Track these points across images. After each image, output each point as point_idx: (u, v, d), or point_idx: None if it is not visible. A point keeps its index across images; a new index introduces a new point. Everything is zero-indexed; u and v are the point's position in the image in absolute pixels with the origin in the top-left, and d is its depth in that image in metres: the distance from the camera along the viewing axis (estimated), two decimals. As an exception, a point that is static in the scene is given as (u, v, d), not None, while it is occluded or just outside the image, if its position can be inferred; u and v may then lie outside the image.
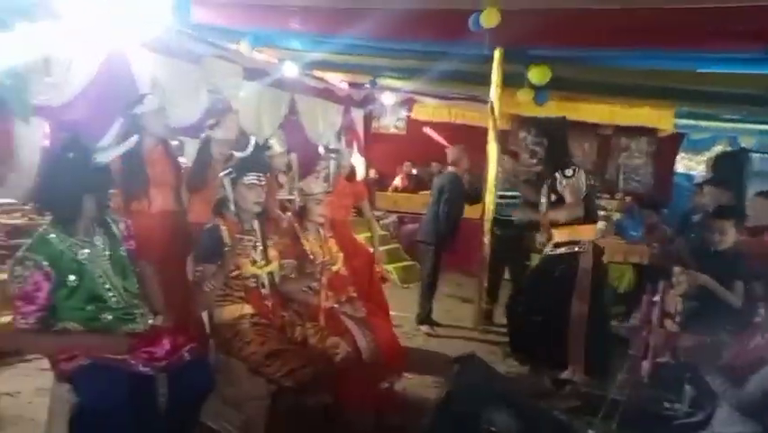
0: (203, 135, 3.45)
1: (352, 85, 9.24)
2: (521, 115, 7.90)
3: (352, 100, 9.87)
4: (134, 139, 2.55)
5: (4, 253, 3.16)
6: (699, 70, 5.15)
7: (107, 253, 2.28)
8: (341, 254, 3.39)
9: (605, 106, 8.02)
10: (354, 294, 3.31)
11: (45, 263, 2.10)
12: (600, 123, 8.45)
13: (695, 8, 3.87)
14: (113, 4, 4.74)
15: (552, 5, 4.26)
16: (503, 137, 5.46)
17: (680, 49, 4.65)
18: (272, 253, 2.87)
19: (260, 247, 2.81)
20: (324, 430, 2.78)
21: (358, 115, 10.34)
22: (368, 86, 8.64)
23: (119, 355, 2.13)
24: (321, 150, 4.04)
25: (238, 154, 3.20)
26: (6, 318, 2.30)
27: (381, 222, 8.02)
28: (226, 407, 2.51)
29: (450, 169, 5.11)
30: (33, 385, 3.17)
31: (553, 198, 3.46)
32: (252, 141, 3.50)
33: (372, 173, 9.85)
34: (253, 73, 7.36)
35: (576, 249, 3.41)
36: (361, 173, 9.78)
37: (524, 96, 6.54)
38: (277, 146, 3.89)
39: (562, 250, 3.46)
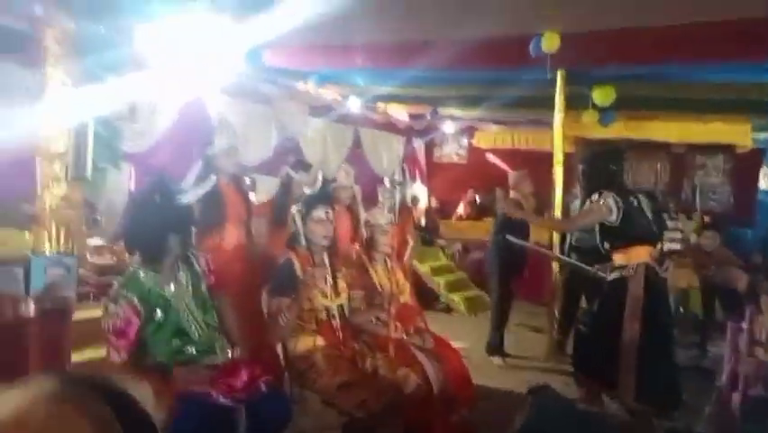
0: (284, 174, 3.61)
1: (413, 116, 9.40)
2: (586, 137, 7.73)
3: (413, 131, 10.02)
4: (213, 179, 2.72)
5: (96, 291, 3.40)
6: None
7: (190, 288, 2.41)
8: (407, 285, 3.42)
9: (675, 124, 7.72)
10: (422, 324, 3.32)
11: (135, 300, 2.25)
12: (672, 141, 8.12)
13: (761, 18, 3.72)
14: (191, 53, 5.13)
15: (612, 25, 4.21)
16: (568, 160, 5.36)
17: (750, 60, 4.45)
18: (342, 285, 2.95)
19: (330, 280, 2.89)
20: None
21: (419, 145, 10.48)
22: (429, 116, 8.75)
23: (201, 387, 2.22)
24: (386, 182, 4.12)
25: (307, 190, 3.34)
26: (99, 353, 2.45)
27: (446, 251, 8.00)
28: (301, 438, 2.56)
29: (511, 194, 5.05)
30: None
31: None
32: (320, 177, 3.64)
33: (434, 202, 9.89)
34: (319, 110, 7.67)
35: (623, 273, 3.39)
36: (423, 203, 9.86)
37: (588, 117, 6.42)
38: (343, 179, 4.02)
39: (615, 274, 3.45)
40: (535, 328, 5.78)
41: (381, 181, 7.22)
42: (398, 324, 3.12)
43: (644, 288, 3.28)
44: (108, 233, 4.82)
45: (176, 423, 2.09)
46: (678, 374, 3.39)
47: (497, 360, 4.82)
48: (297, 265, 2.80)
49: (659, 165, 8.93)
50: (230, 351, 2.45)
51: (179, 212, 2.40)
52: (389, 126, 9.27)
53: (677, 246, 6.30)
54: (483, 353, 4.89)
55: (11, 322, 2.55)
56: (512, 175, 5.10)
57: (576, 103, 5.61)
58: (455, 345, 3.64)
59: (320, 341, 2.75)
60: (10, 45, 3.83)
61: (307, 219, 2.86)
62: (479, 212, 8.88)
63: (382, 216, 3.40)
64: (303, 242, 2.86)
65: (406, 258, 4.32)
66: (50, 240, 3.39)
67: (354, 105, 7.54)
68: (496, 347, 4.88)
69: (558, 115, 5.12)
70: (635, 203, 3.48)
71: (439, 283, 6.96)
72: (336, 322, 2.86)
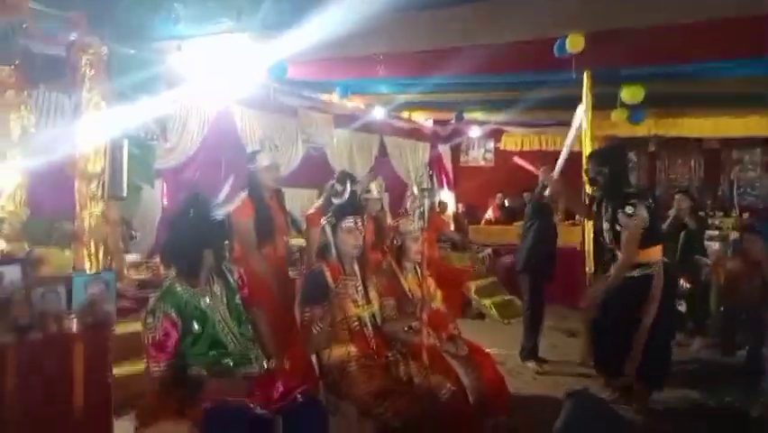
0: (331, 187, 3.67)
1: (437, 121, 9.40)
2: (617, 135, 7.60)
3: (438, 137, 10.03)
4: (244, 195, 2.77)
5: (135, 305, 3.49)
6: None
7: (224, 300, 2.46)
8: (439, 292, 3.41)
9: (708, 119, 7.53)
10: (456, 331, 3.30)
11: (173, 313, 2.30)
12: (705, 137, 7.93)
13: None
14: (218, 70, 5.25)
15: (636, 24, 4.15)
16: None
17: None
18: (373, 293, 2.96)
19: (361, 289, 2.90)
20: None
21: (446, 150, 10.47)
22: (453, 121, 8.73)
23: (239, 397, 2.26)
24: (414, 189, 4.12)
25: (336, 201, 3.37)
26: (139, 366, 2.51)
27: (477, 256, 7.94)
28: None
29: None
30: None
31: (617, 227, 3.62)
32: (349, 187, 3.67)
33: (462, 207, 9.84)
34: (344, 120, 7.75)
35: (648, 271, 3.56)
36: (451, 208, 9.82)
37: (618, 116, 6.31)
38: (375, 191, 4.05)
39: (637, 272, 3.59)
40: (570, 332, 5.68)
41: (408, 188, 7.24)
42: (431, 331, 3.10)
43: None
44: (144, 248, 4.95)
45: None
46: (670, 357, 3.79)
47: (532, 365, 4.74)
48: (328, 275, 2.82)
49: (692, 162, 8.73)
50: (266, 362, 2.48)
51: (213, 227, 2.44)
52: (415, 133, 9.30)
53: (716, 245, 6.14)
54: (518, 358, 4.83)
55: (55, 338, 2.64)
56: (541, 172, 5.04)
57: (604, 102, 5.53)
58: (489, 351, 3.61)
59: (353, 350, 2.76)
60: (47, 71, 3.98)
61: (337, 229, 2.88)
62: (508, 216, 8.81)
63: (411, 224, 3.40)
64: (334, 252, 2.88)
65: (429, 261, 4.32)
66: (89, 257, 3.50)
67: (379, 113, 7.58)
68: (530, 352, 4.81)
69: (586, 114, 5.04)
70: (653, 204, 3.69)
71: (470, 289, 6.91)
72: (369, 331, 2.87)
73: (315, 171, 6.76)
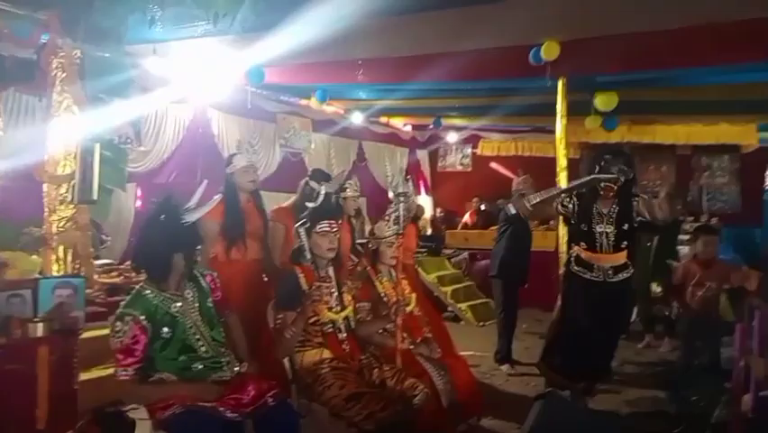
0: (304, 185, 3.64)
1: (415, 127, 9.46)
2: (590, 142, 7.74)
3: (416, 142, 10.08)
4: (217, 198, 2.75)
5: (104, 310, 3.44)
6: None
7: (197, 305, 2.43)
8: (414, 295, 3.42)
9: (680, 126, 7.71)
10: (429, 335, 3.32)
11: (142, 318, 2.27)
12: (679, 143, 8.10)
13: (761, 19, 3.73)
14: (194, 74, 5.22)
15: (610, 32, 4.23)
16: (572, 165, 5.36)
17: (752, 61, 4.45)
18: (347, 297, 2.95)
19: (336, 292, 2.90)
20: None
21: (423, 155, 10.53)
22: (432, 126, 8.79)
23: (209, 402, 2.23)
24: (390, 193, 4.13)
25: (310, 204, 3.36)
26: (107, 371, 2.48)
27: (453, 260, 7.99)
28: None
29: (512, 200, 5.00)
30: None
31: (624, 227, 3.67)
32: (323, 190, 3.66)
33: (438, 212, 9.90)
34: (323, 125, 7.75)
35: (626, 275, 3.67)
36: (428, 212, 9.87)
37: (592, 123, 6.42)
38: (350, 191, 4.05)
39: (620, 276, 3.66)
40: (543, 335, 5.74)
41: (386, 193, 7.26)
42: (405, 334, 3.12)
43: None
44: (116, 253, 4.89)
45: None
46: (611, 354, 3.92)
47: (506, 368, 4.79)
48: (302, 279, 2.81)
49: (664, 167, 8.91)
50: (238, 366, 2.46)
51: (184, 231, 2.42)
52: (393, 138, 9.34)
53: (686, 249, 6.25)
54: (492, 361, 4.86)
55: (20, 343, 2.58)
56: (515, 181, 5.10)
57: (579, 109, 5.62)
58: (464, 353, 3.64)
59: (327, 354, 2.76)
60: (17, 73, 3.92)
61: (312, 233, 2.88)
62: (484, 220, 8.89)
63: (388, 228, 3.41)
64: (308, 256, 2.87)
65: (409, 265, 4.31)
66: (57, 261, 3.45)
67: (357, 118, 7.61)
68: (504, 355, 4.85)
69: (560, 122, 5.13)
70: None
71: (446, 293, 6.95)
72: (342, 335, 2.86)
73: (292, 176, 6.72)
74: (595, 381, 3.92)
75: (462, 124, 8.68)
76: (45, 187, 3.69)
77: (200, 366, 2.34)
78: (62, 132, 3.74)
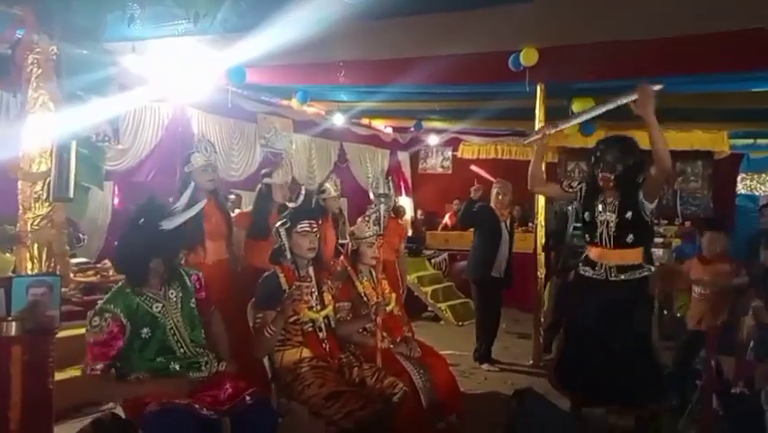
0: (259, 186, 3.63)
1: (397, 129, 9.50)
2: (568, 147, 7.86)
3: (397, 144, 10.12)
4: (201, 204, 2.67)
5: (81, 309, 3.39)
6: (754, 90, 5.05)
7: (179, 306, 2.39)
8: (394, 295, 3.45)
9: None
10: (409, 334, 3.34)
11: (122, 315, 2.23)
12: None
13: (733, 32, 3.85)
14: (174, 73, 5.17)
15: (588, 40, 4.32)
16: (551, 169, 5.45)
17: (725, 71, 4.59)
18: (327, 297, 2.96)
19: (316, 292, 2.91)
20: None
21: (404, 157, 10.58)
22: (413, 129, 8.84)
23: (182, 399, 2.19)
24: (371, 194, 4.14)
25: (291, 204, 3.36)
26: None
27: (433, 260, 8.05)
28: (289, 450, 2.56)
29: (492, 202, 4.99)
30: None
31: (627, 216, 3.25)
32: (303, 190, 3.66)
33: (419, 213, 9.96)
34: (304, 126, 7.74)
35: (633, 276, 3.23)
36: (409, 214, 9.92)
37: (569, 128, 6.52)
38: (331, 190, 4.06)
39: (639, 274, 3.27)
40: (522, 335, 5.83)
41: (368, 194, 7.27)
42: (385, 334, 3.14)
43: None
44: (92, 251, 4.81)
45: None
46: (659, 369, 3.31)
47: (485, 367, 4.85)
48: (283, 278, 2.82)
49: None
50: (217, 365, 2.44)
51: (164, 236, 2.36)
52: (374, 140, 9.37)
53: (660, 251, 6.40)
54: (471, 360, 4.91)
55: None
56: (494, 185, 5.15)
57: (557, 114, 5.70)
58: (444, 352, 3.67)
59: (306, 353, 2.76)
60: (-8, 69, 3.84)
61: (292, 232, 2.88)
62: (464, 222, 8.95)
63: (368, 229, 3.43)
64: (288, 255, 2.87)
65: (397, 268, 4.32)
66: (32, 260, 3.39)
67: (339, 120, 7.61)
68: (483, 355, 4.91)
69: (539, 126, 5.20)
70: None
71: (426, 293, 7.01)
72: (322, 334, 2.87)
73: (273, 176, 6.72)
74: (625, 404, 3.31)
75: (443, 127, 8.74)
76: (20, 184, 3.62)
77: (177, 367, 2.31)
78: (38, 129, 3.67)
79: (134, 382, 2.27)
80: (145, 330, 2.27)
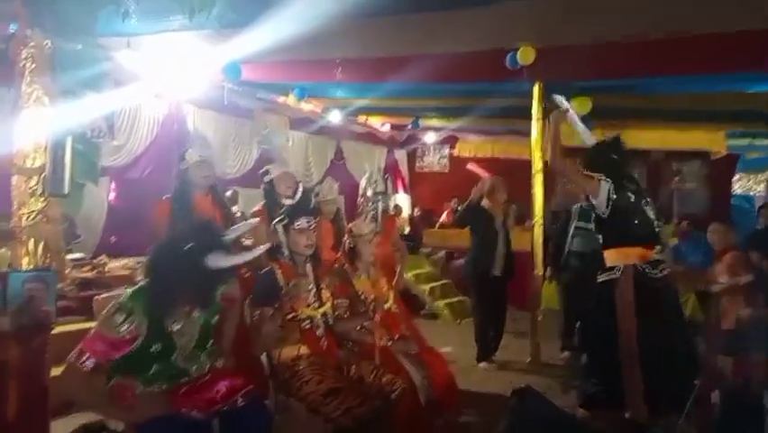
0: (263, 185, 3.60)
1: (394, 127, 9.49)
2: (565, 145, 7.84)
3: (395, 141, 10.12)
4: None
5: (77, 305, 3.37)
6: (750, 91, 5.06)
7: (201, 323, 2.23)
8: (392, 292, 3.44)
9: (655, 132, 7.88)
10: (407, 332, 3.33)
11: (144, 326, 2.06)
12: (652, 149, 8.29)
13: (735, 32, 3.85)
14: (170, 68, 5.14)
15: (585, 39, 4.32)
16: (547, 168, 5.44)
17: (722, 72, 4.59)
18: (325, 294, 2.95)
19: (314, 289, 2.90)
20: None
21: (402, 155, 10.58)
22: (410, 126, 8.84)
23: (169, 410, 2.07)
24: (368, 192, 4.12)
25: (288, 201, 3.35)
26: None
27: (431, 258, 8.05)
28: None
29: (484, 202, 4.96)
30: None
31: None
32: (300, 188, 3.64)
33: (416, 211, 9.96)
34: (300, 123, 7.72)
35: (611, 276, 3.19)
36: (406, 211, 9.92)
37: (566, 126, 6.52)
38: (327, 193, 4.02)
39: (604, 277, 3.26)
40: (519, 333, 5.82)
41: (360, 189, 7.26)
42: (383, 331, 3.13)
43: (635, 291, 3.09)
44: (88, 247, 4.78)
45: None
46: (690, 376, 3.14)
47: (483, 364, 4.85)
48: (280, 275, 2.80)
49: (636, 173, 9.12)
50: (211, 363, 2.31)
51: (206, 273, 2.10)
52: (371, 138, 9.36)
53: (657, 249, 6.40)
54: (469, 357, 4.91)
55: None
56: (487, 181, 5.09)
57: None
58: (442, 350, 3.66)
59: (304, 350, 2.75)
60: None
61: (290, 229, 2.87)
62: (461, 220, 8.95)
63: (365, 226, 3.42)
64: (286, 253, 2.86)
65: (398, 269, 4.25)
66: (27, 255, 3.36)
67: (336, 117, 7.60)
68: (483, 354, 4.90)
69: (536, 125, 5.20)
70: (633, 199, 3.26)
71: (424, 291, 7.01)
72: (320, 331, 2.86)
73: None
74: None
75: (440, 124, 8.73)
76: (14, 179, 3.59)
77: (167, 375, 2.15)
78: (32, 124, 3.64)
79: (115, 393, 2.10)
80: (155, 346, 2.10)
